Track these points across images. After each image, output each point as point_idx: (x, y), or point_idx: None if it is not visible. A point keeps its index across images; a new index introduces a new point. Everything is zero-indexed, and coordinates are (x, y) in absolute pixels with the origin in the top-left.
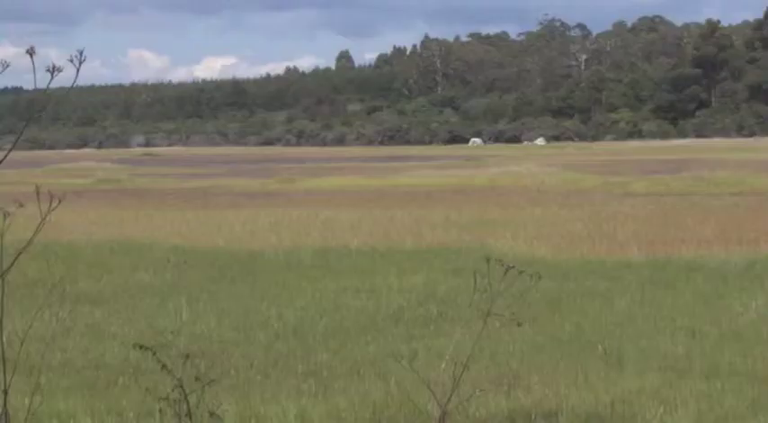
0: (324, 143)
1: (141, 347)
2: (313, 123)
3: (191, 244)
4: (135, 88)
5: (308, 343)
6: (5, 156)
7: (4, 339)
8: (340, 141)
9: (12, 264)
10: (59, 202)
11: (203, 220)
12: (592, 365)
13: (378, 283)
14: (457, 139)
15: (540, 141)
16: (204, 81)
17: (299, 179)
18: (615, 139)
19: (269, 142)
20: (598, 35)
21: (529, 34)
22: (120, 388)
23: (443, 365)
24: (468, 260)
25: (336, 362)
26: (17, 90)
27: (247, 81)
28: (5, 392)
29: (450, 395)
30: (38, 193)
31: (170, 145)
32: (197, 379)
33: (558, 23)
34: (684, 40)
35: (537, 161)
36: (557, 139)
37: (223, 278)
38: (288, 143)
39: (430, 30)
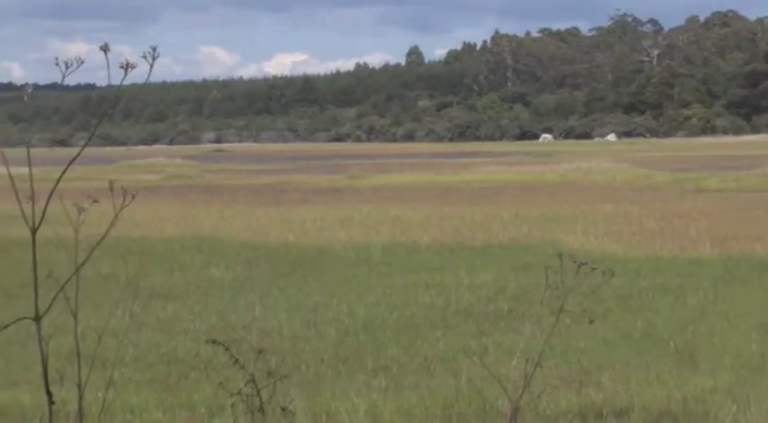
0: (393, 139)
1: (214, 342)
2: (383, 119)
3: (261, 240)
4: (206, 85)
5: (379, 339)
6: (79, 153)
7: (79, 334)
8: (410, 137)
9: (86, 259)
10: (133, 197)
11: (273, 216)
12: (664, 363)
13: (447, 280)
14: (527, 135)
15: (611, 137)
16: (275, 77)
17: (369, 175)
18: (687, 135)
19: (339, 138)
20: (670, 30)
21: (600, 29)
22: (191, 382)
23: (514, 362)
24: (539, 256)
25: (407, 358)
26: (89, 87)
27: (317, 77)
28: (80, 387)
29: (522, 392)
30: (112, 190)
31: (240, 141)
32: (269, 374)
33: (629, 19)
34: (758, 35)
35: (608, 157)
36: (628, 135)
37: (293, 274)
38: (357, 139)
39: (500, 25)
